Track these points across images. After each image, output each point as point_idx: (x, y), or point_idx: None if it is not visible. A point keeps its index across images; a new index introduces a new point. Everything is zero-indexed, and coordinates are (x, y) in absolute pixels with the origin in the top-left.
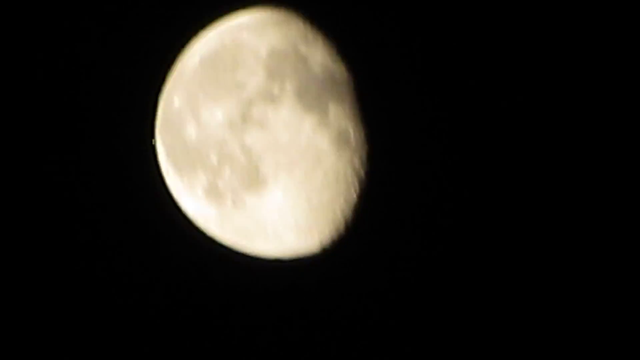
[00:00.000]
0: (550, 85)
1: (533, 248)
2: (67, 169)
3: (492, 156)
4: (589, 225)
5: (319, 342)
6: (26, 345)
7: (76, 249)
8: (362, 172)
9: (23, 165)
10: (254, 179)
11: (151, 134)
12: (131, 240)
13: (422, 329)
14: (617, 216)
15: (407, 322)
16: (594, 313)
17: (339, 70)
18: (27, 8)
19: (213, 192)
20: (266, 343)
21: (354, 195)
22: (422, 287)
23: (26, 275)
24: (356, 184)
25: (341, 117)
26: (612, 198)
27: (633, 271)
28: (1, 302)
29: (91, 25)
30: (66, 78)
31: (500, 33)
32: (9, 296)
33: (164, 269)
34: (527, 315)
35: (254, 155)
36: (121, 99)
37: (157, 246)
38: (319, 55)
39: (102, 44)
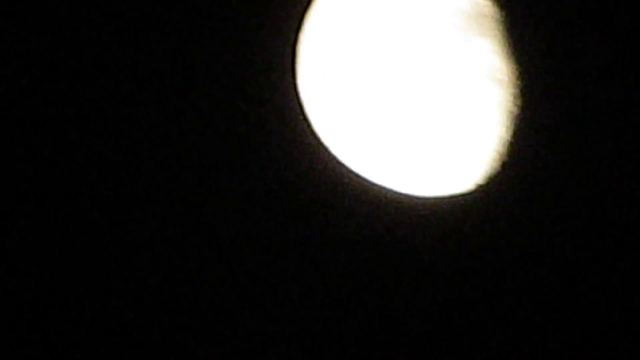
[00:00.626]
0: None
1: None
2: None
3: None
4: None
5: (476, 280)
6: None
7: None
8: (515, 110)
9: None
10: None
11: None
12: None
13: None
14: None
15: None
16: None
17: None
18: None
19: None
20: (418, 283)
21: (508, 133)
22: (580, 236)
23: None
24: (510, 122)
25: (488, 52)
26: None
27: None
28: None
29: None
30: None
31: None
32: None
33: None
34: None
35: None
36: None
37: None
38: None
39: None
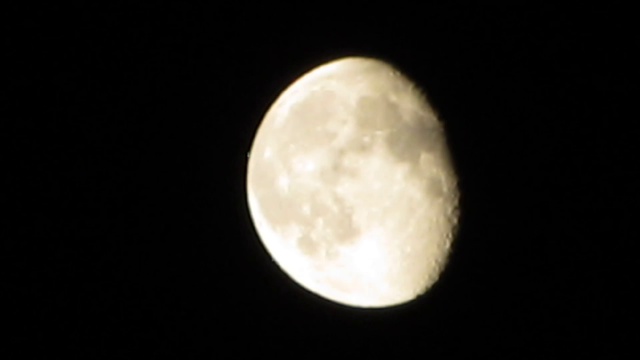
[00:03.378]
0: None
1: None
2: (163, 225)
3: (585, 205)
4: None
5: None
6: None
7: (171, 302)
8: (454, 220)
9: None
10: (347, 229)
11: (243, 185)
12: (226, 293)
13: None
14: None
15: None
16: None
17: (429, 118)
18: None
19: (307, 243)
20: None
21: (447, 244)
22: (517, 337)
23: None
24: (449, 232)
25: (432, 165)
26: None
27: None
28: None
29: (183, 75)
30: (157, 131)
31: (593, 84)
32: None
33: (260, 322)
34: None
35: (347, 205)
36: (212, 151)
37: (252, 298)
38: (409, 103)
39: (193, 95)
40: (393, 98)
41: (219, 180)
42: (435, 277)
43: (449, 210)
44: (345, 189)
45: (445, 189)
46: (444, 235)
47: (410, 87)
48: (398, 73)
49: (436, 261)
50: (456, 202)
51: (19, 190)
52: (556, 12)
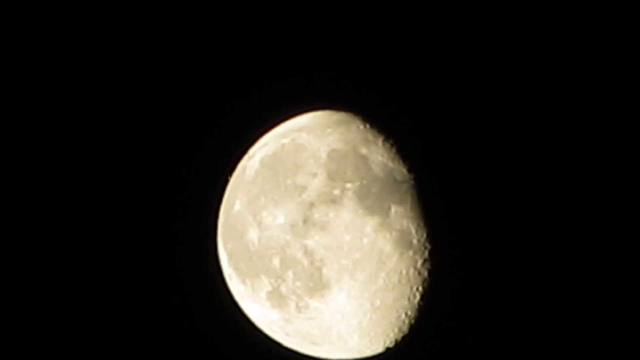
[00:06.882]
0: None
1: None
2: (131, 279)
3: (560, 258)
4: None
5: None
6: None
7: (140, 357)
8: (424, 273)
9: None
10: (317, 282)
11: (213, 239)
12: (195, 347)
13: None
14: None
15: None
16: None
17: (399, 170)
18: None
19: (276, 297)
20: None
21: (417, 296)
22: None
23: None
24: (419, 285)
25: (403, 217)
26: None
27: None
28: None
29: (152, 127)
30: (127, 179)
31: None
32: None
33: None
34: None
35: (317, 258)
36: (181, 203)
37: (221, 352)
38: (379, 155)
39: (162, 147)
40: (363, 150)
41: (188, 233)
42: (405, 330)
43: (419, 262)
44: (316, 242)
45: (415, 241)
46: (414, 288)
47: (380, 139)
48: (368, 126)
49: (406, 314)
50: (426, 254)
51: None
52: (523, 68)
